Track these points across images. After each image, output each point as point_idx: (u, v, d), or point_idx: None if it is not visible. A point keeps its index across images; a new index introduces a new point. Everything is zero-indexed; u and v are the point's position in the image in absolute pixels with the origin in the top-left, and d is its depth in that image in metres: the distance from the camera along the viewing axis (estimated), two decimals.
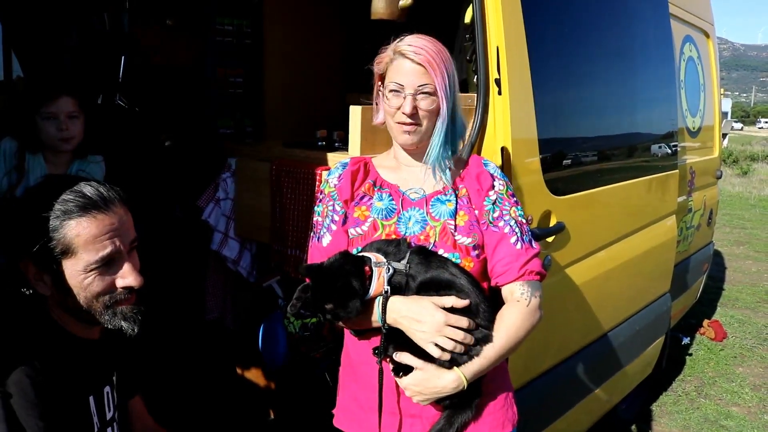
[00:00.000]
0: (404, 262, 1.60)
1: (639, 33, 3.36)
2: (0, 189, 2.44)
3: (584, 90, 2.87)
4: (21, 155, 2.47)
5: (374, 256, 1.59)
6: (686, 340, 5.05)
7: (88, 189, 1.46)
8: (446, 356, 1.55)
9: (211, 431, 2.83)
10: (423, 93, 1.63)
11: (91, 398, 1.57)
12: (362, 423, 1.74)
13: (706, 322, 5.47)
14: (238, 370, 3.27)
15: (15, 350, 1.42)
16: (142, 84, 3.21)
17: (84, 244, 1.42)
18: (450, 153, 1.72)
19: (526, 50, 2.32)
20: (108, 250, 1.44)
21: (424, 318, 1.55)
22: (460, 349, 1.55)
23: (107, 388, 1.64)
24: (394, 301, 1.58)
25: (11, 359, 1.39)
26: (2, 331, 1.48)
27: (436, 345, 1.55)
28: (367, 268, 1.56)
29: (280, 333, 2.78)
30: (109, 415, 1.63)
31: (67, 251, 1.42)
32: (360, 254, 1.62)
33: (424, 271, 1.61)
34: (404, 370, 1.61)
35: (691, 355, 4.99)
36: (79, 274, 1.44)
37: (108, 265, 1.46)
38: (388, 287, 1.57)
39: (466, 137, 1.92)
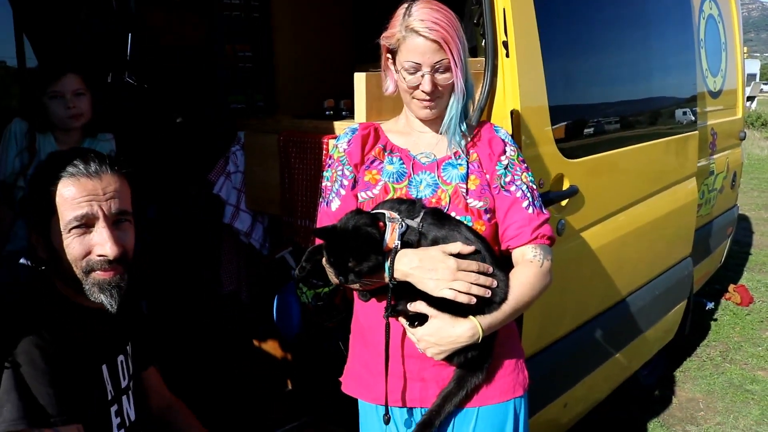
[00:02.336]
0: (417, 220, 1.59)
1: None
2: (12, 169, 2.46)
3: (595, 50, 2.82)
4: (31, 136, 2.49)
5: (388, 213, 1.59)
6: (710, 305, 4.98)
7: (80, 157, 1.50)
8: (462, 297, 1.53)
9: (228, 403, 2.86)
10: (440, 70, 1.62)
11: (104, 367, 1.59)
12: (371, 387, 1.75)
13: (731, 287, 5.39)
14: (255, 342, 3.30)
15: (23, 321, 1.44)
16: (152, 62, 3.22)
17: (63, 202, 1.47)
18: (463, 119, 1.71)
19: (534, 12, 2.29)
20: (83, 210, 1.47)
21: (436, 265, 1.54)
22: (476, 290, 1.54)
23: (121, 357, 1.66)
24: (404, 253, 1.57)
25: (19, 330, 1.42)
26: (11, 303, 1.50)
27: (452, 289, 1.54)
28: (381, 223, 1.56)
29: (294, 304, 2.78)
30: (123, 384, 1.66)
31: (52, 210, 1.47)
32: (373, 211, 1.61)
33: (437, 230, 1.60)
34: (419, 320, 1.60)
35: (715, 320, 4.93)
36: (63, 234, 1.47)
37: (86, 228, 1.48)
38: (399, 242, 1.56)
39: (476, 102, 1.89)
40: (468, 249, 1.58)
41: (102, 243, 1.48)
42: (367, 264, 1.55)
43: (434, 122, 1.74)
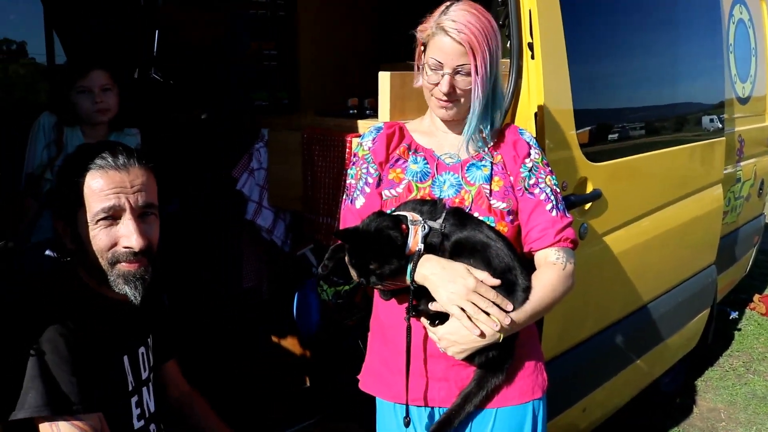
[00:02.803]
0: (440, 221, 1.59)
1: None
2: (40, 162, 2.50)
3: (622, 53, 2.80)
4: (59, 129, 2.53)
5: (410, 215, 1.59)
6: (734, 315, 4.91)
7: (108, 149, 1.52)
8: (465, 321, 1.53)
9: (245, 398, 2.88)
10: (461, 73, 1.62)
11: (125, 358, 1.62)
12: (390, 386, 1.74)
13: (757, 296, 5.31)
14: (274, 339, 3.31)
15: (48, 310, 1.47)
16: (177, 58, 3.25)
17: (91, 194, 1.49)
18: (489, 126, 1.70)
19: (560, 14, 2.28)
20: (111, 202, 1.49)
21: (455, 278, 1.54)
22: (483, 318, 1.53)
23: (142, 349, 1.68)
24: (428, 258, 1.57)
25: (45, 318, 1.44)
26: (37, 292, 1.53)
27: (460, 309, 1.53)
28: (404, 226, 1.56)
29: (314, 301, 2.80)
30: (144, 375, 1.68)
31: (80, 202, 1.49)
32: (395, 213, 1.61)
33: (459, 231, 1.60)
34: (440, 319, 1.60)
35: (739, 330, 4.86)
36: (88, 225, 1.49)
37: (113, 220, 1.50)
38: (422, 245, 1.56)
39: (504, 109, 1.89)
40: (493, 282, 1.57)
41: (128, 235, 1.50)
42: (388, 267, 1.55)
43: (457, 124, 1.73)
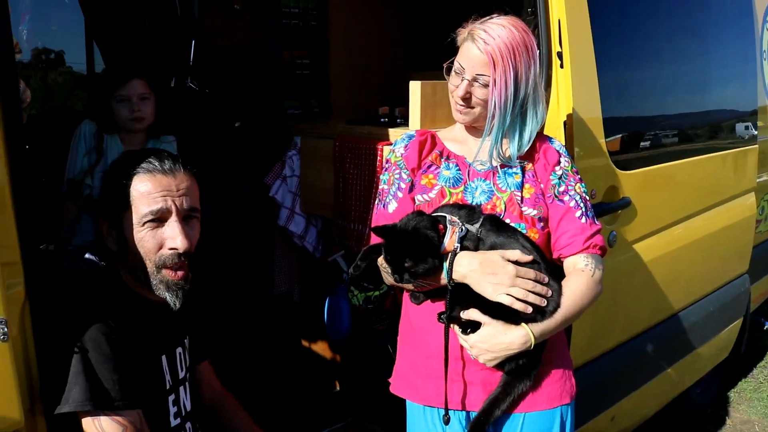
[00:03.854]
0: (477, 225, 1.62)
1: (714, 1, 3.24)
2: (81, 168, 2.57)
3: (652, 61, 2.79)
4: (99, 136, 2.59)
5: (448, 216, 1.62)
6: None
7: (155, 155, 1.58)
8: (518, 305, 1.56)
9: (276, 401, 2.91)
10: (479, 82, 1.65)
11: (163, 357, 1.66)
12: (420, 388, 1.77)
13: None
14: (304, 343, 3.35)
15: (91, 309, 1.52)
16: (212, 67, 3.32)
17: (140, 197, 1.54)
18: (517, 147, 1.71)
19: (589, 22, 2.30)
20: (159, 205, 1.54)
21: (496, 269, 1.57)
22: (533, 298, 1.57)
23: (179, 350, 1.73)
24: (463, 255, 1.59)
25: (88, 318, 1.50)
26: (80, 292, 1.59)
27: (509, 295, 1.56)
28: (441, 225, 1.59)
29: (344, 306, 2.83)
30: (181, 375, 1.72)
31: (127, 205, 1.54)
32: (434, 214, 1.64)
33: (494, 237, 1.63)
34: (472, 327, 1.62)
35: None
36: (135, 228, 1.54)
37: (159, 223, 1.56)
38: (458, 245, 1.59)
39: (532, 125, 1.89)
40: (526, 258, 1.60)
41: (173, 237, 1.55)
42: (423, 266, 1.58)
43: (477, 131, 1.76)
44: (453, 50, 1.74)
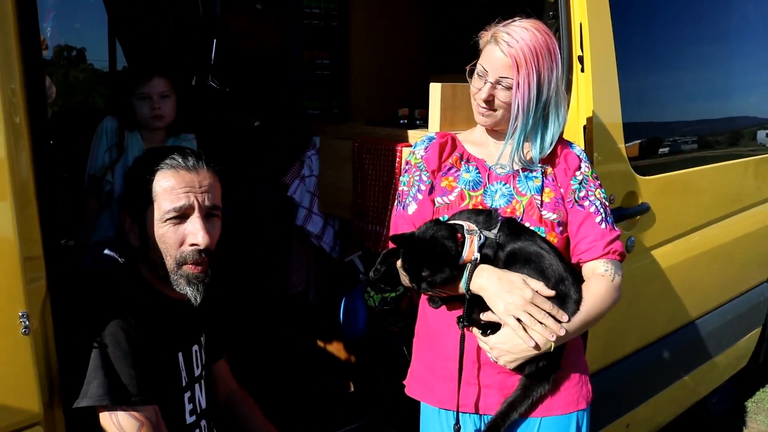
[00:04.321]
0: (495, 231, 1.61)
1: (737, 6, 3.21)
2: (102, 164, 2.59)
3: (673, 66, 2.78)
4: (120, 133, 2.61)
5: (466, 224, 1.61)
6: None
7: (178, 152, 1.59)
8: (521, 333, 1.55)
9: (291, 400, 2.92)
10: (502, 85, 1.65)
11: (180, 354, 1.67)
12: (436, 391, 1.77)
13: None
14: (320, 343, 3.36)
15: (111, 306, 1.53)
16: (233, 66, 3.34)
17: (163, 192, 1.55)
18: (539, 146, 1.71)
19: (611, 28, 2.29)
20: (182, 202, 1.55)
21: (513, 289, 1.56)
22: (539, 328, 1.55)
23: (196, 347, 1.74)
24: (484, 268, 1.59)
25: (108, 313, 1.51)
26: (100, 287, 1.61)
27: (517, 320, 1.55)
28: (459, 235, 1.59)
29: (360, 307, 2.84)
30: (197, 373, 1.73)
31: (150, 200, 1.56)
32: (452, 222, 1.64)
33: (513, 242, 1.63)
34: (492, 329, 1.62)
35: None
36: (157, 223, 1.56)
37: (181, 220, 1.57)
38: (478, 255, 1.59)
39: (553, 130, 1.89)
40: (548, 293, 1.58)
41: (195, 233, 1.56)
42: (440, 276, 1.58)
43: (499, 134, 1.76)
44: (474, 53, 1.74)
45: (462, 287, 1.60)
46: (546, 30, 1.67)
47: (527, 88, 1.62)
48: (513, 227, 1.65)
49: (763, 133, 3.46)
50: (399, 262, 1.66)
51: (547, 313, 1.56)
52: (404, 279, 1.68)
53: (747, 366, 3.67)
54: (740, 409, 3.90)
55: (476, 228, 1.61)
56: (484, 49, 1.69)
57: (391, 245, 1.70)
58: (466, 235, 1.59)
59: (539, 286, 1.58)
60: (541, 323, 1.55)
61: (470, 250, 1.59)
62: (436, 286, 1.60)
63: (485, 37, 1.70)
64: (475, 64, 1.72)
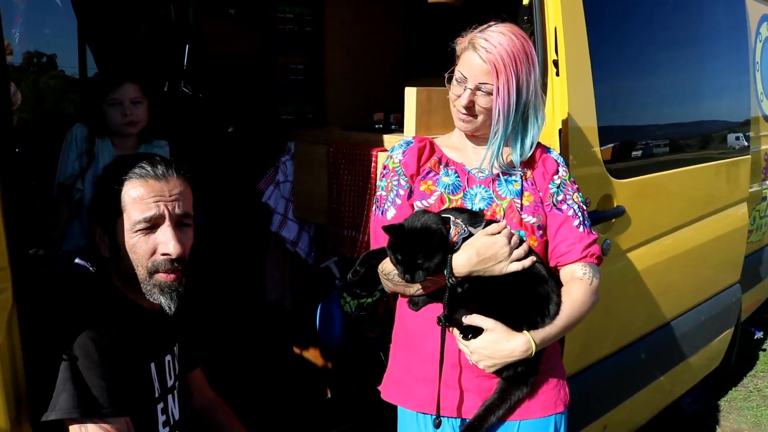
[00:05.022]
0: (479, 229, 1.62)
1: (708, 13, 3.26)
2: (72, 172, 2.55)
3: (646, 71, 2.81)
4: (91, 140, 2.57)
5: (452, 217, 1.62)
6: (759, 334, 4.83)
7: (147, 160, 1.56)
8: (527, 262, 1.59)
9: (267, 409, 2.90)
10: (482, 91, 1.65)
11: (152, 365, 1.64)
12: (414, 395, 1.76)
13: None
14: (296, 350, 3.34)
15: (81, 316, 1.50)
16: (206, 72, 3.31)
17: (132, 202, 1.53)
18: (519, 150, 1.72)
19: (585, 31, 2.30)
20: (152, 212, 1.53)
21: (492, 250, 1.58)
22: (528, 250, 1.61)
23: (168, 357, 1.71)
24: (458, 255, 1.59)
25: (77, 324, 1.47)
26: (70, 298, 1.57)
27: (516, 263, 1.58)
28: (448, 224, 1.59)
29: (337, 313, 2.82)
30: (169, 383, 1.70)
31: (120, 210, 1.53)
32: (440, 214, 1.64)
33: None
34: (473, 333, 1.62)
35: (764, 350, 4.79)
36: (127, 233, 1.53)
37: (152, 230, 1.54)
38: (459, 243, 1.59)
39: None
40: (500, 226, 1.62)
41: (166, 242, 1.53)
42: (434, 261, 1.57)
43: (483, 140, 1.75)
44: (450, 57, 1.74)
45: (445, 275, 1.60)
46: (522, 34, 1.67)
47: (507, 93, 1.63)
48: None
49: (732, 137, 3.51)
50: (381, 264, 1.66)
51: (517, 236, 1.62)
52: (386, 281, 1.68)
53: (720, 366, 3.71)
54: (713, 408, 3.94)
55: (461, 222, 1.61)
56: (462, 56, 1.69)
57: (372, 246, 1.71)
58: (452, 226, 1.60)
59: (494, 227, 1.61)
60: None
61: (452, 241, 1.59)
62: (431, 273, 1.58)
63: (462, 43, 1.70)
64: (453, 71, 1.71)
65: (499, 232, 1.60)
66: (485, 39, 1.63)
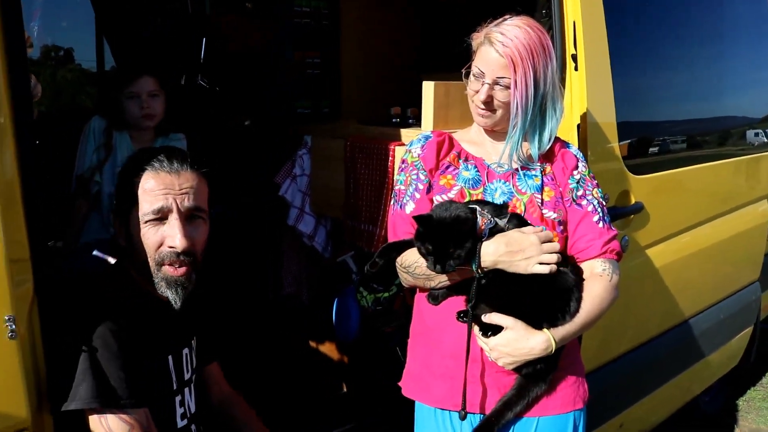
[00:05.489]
0: (505, 220, 1.62)
1: (729, 6, 3.22)
2: (90, 164, 2.56)
3: (666, 66, 2.78)
4: (108, 133, 2.58)
5: (478, 207, 1.61)
6: None
7: (162, 153, 1.58)
8: (554, 268, 1.58)
9: (283, 402, 2.90)
10: (500, 85, 1.64)
11: (170, 357, 1.65)
12: (432, 390, 1.75)
13: None
14: (312, 344, 3.34)
15: (101, 308, 1.51)
16: (223, 66, 3.31)
17: (143, 194, 1.55)
18: (537, 143, 1.71)
19: (605, 26, 2.28)
20: (160, 203, 1.54)
21: (522, 245, 1.57)
22: (559, 259, 1.59)
23: (186, 351, 1.72)
24: (487, 244, 1.59)
25: (97, 315, 1.49)
26: (90, 289, 1.58)
27: (542, 265, 1.58)
28: (475, 214, 1.59)
29: (353, 308, 2.83)
30: (186, 376, 1.71)
31: (134, 201, 1.55)
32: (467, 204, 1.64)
33: None
34: (492, 330, 1.61)
35: None
36: (140, 224, 1.55)
37: (161, 221, 1.55)
38: (486, 235, 1.59)
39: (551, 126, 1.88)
40: (539, 229, 1.62)
41: (172, 235, 1.54)
42: (464, 250, 1.57)
43: (502, 135, 1.75)
44: (467, 51, 1.73)
45: (473, 267, 1.59)
46: (538, 26, 1.66)
47: (525, 87, 1.62)
48: (520, 221, 1.65)
49: (752, 133, 3.48)
50: (403, 255, 1.66)
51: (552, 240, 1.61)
52: (406, 275, 1.68)
53: (738, 365, 3.67)
54: (732, 407, 3.91)
55: (487, 213, 1.61)
56: (478, 51, 1.68)
57: (390, 239, 1.71)
58: (478, 216, 1.59)
59: (531, 229, 1.61)
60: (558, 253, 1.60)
61: (479, 230, 1.59)
62: (461, 263, 1.58)
63: (478, 38, 1.68)
64: (470, 66, 1.70)
65: (534, 232, 1.60)
66: (501, 33, 1.62)
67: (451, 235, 1.56)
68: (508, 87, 1.63)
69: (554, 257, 1.58)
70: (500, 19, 1.67)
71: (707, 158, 2.99)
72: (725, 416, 3.81)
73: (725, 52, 3.23)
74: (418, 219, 1.61)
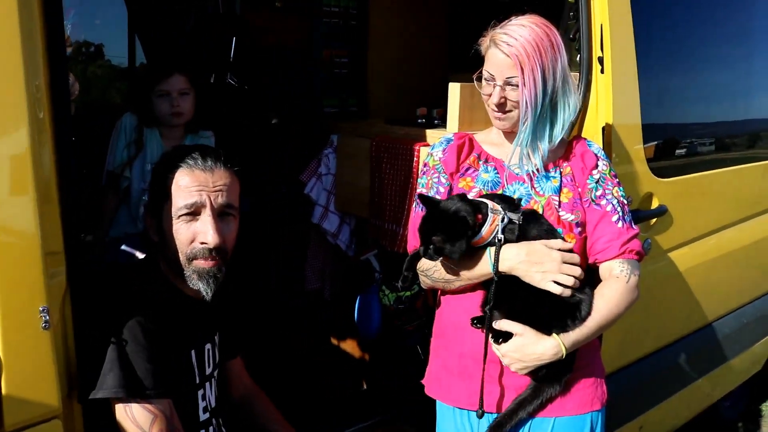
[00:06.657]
0: (519, 215, 1.62)
1: (757, 7, 3.19)
2: (120, 160, 2.62)
3: (693, 68, 2.77)
4: (139, 130, 2.63)
5: (491, 203, 1.62)
6: None
7: (197, 151, 1.62)
8: (567, 292, 1.58)
9: (304, 397, 2.93)
10: (511, 85, 1.64)
11: (192, 352, 1.69)
12: (451, 390, 1.78)
13: None
14: (334, 341, 3.37)
15: (129, 300, 1.55)
16: (252, 64, 3.34)
17: (176, 190, 1.59)
18: (548, 140, 1.71)
19: (632, 28, 2.28)
20: (194, 199, 1.58)
21: (542, 259, 1.58)
22: (576, 284, 1.59)
23: (208, 346, 1.75)
24: (509, 247, 1.60)
25: (126, 308, 1.53)
26: (120, 282, 1.63)
27: (556, 283, 1.58)
28: (480, 215, 1.59)
29: (375, 306, 2.84)
30: (208, 371, 1.75)
31: (167, 197, 1.59)
32: (477, 199, 1.64)
33: (536, 229, 1.64)
34: (503, 337, 1.63)
35: None
36: (172, 219, 1.59)
37: (194, 217, 1.59)
38: (502, 236, 1.59)
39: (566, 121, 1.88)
40: (568, 245, 1.62)
41: (205, 231, 1.58)
42: (448, 246, 1.57)
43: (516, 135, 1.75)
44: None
45: (490, 270, 1.60)
46: (544, 22, 1.66)
47: (533, 84, 1.62)
48: (535, 218, 1.66)
49: None
50: (420, 261, 1.68)
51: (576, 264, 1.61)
52: (424, 278, 1.70)
53: (761, 371, 3.64)
54: (754, 413, 3.87)
55: (501, 209, 1.61)
56: (486, 54, 1.68)
57: (410, 247, 1.72)
58: (489, 214, 1.59)
59: (559, 243, 1.62)
60: (576, 279, 1.59)
61: (490, 229, 1.59)
62: (441, 255, 1.59)
63: (485, 42, 1.69)
64: (482, 71, 1.71)
65: (559, 249, 1.61)
66: (505, 33, 1.63)
67: (441, 226, 1.57)
68: (518, 86, 1.64)
69: (570, 280, 1.58)
70: (505, 21, 1.68)
71: (734, 161, 2.97)
72: (746, 422, 3.77)
73: (754, 52, 3.20)
74: (425, 198, 1.63)
